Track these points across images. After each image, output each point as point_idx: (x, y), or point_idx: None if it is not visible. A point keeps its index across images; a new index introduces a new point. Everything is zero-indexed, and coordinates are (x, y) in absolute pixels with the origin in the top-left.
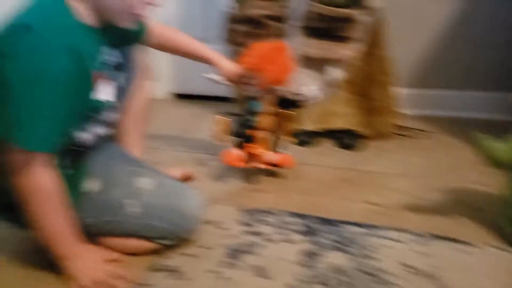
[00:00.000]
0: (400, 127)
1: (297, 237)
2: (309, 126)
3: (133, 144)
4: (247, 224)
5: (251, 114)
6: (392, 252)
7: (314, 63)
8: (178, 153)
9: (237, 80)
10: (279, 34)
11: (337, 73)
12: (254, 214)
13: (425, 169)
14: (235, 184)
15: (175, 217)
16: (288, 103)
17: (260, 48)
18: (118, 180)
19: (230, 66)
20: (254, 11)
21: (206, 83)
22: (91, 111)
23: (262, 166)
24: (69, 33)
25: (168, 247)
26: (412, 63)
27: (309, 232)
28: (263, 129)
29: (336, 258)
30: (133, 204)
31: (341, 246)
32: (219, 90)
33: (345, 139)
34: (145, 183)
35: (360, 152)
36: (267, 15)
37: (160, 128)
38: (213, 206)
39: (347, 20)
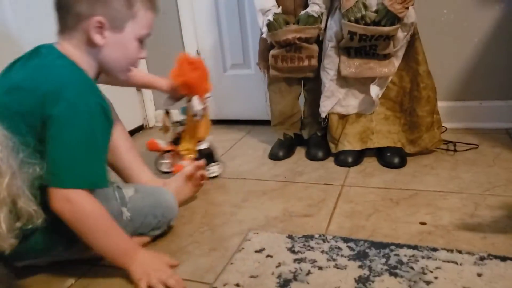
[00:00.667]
0: (444, 142)
1: (348, 262)
2: (350, 145)
3: (140, 171)
4: (297, 251)
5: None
6: (447, 274)
7: (354, 82)
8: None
9: (174, 94)
10: (314, 56)
11: (377, 91)
12: (303, 240)
13: (474, 184)
14: (278, 209)
15: (158, 211)
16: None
17: (177, 61)
18: (106, 195)
19: (165, 83)
20: (288, 35)
21: (243, 107)
22: None
23: (170, 167)
24: (94, 90)
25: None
26: (451, 75)
27: (360, 256)
28: (185, 133)
29: (389, 283)
30: (125, 211)
31: (394, 270)
32: (257, 114)
33: (389, 157)
34: (127, 192)
35: (405, 170)
36: (301, 37)
37: None
38: (261, 233)
39: (385, 37)
